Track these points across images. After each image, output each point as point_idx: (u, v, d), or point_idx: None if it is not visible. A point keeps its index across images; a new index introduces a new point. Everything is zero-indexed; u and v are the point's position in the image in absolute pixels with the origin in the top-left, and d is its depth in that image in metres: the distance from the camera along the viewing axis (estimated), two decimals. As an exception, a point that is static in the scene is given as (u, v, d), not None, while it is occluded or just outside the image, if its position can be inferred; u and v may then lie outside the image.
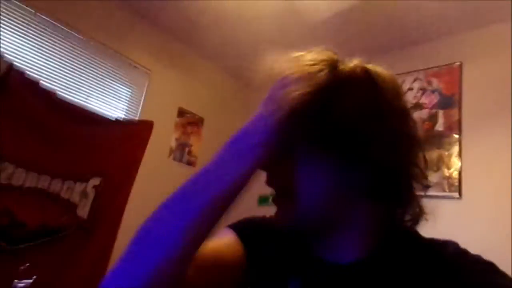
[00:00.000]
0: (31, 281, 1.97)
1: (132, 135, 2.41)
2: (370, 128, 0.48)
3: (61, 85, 2.25)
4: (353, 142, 0.48)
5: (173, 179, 2.89)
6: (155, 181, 2.62)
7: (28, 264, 1.98)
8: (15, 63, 1.91)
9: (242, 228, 0.63)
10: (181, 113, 2.94)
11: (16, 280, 1.93)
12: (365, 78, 0.51)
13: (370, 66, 0.53)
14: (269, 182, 0.55)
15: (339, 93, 0.49)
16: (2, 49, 1.89)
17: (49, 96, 2.02)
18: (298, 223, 0.53)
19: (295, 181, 0.51)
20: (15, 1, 2.04)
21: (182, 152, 2.92)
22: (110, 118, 2.35)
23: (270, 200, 0.59)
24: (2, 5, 1.98)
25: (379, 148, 0.48)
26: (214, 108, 3.17)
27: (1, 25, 1.96)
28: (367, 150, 0.48)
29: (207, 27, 2.73)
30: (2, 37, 1.95)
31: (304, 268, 0.55)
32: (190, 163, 2.95)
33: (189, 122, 3.00)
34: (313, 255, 0.56)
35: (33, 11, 2.12)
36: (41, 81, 2.03)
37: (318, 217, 0.53)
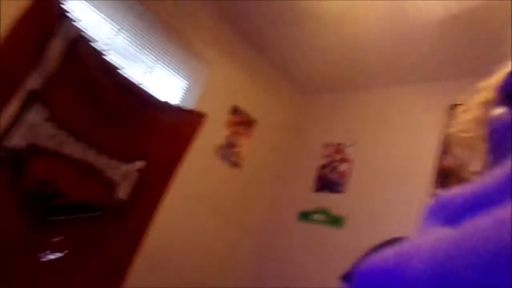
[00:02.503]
0: (61, 254, 1.91)
1: (183, 123, 2.33)
2: None
3: (122, 59, 2.22)
4: None
5: (214, 178, 2.73)
6: (196, 175, 2.52)
7: (62, 237, 1.93)
8: (84, 31, 1.90)
9: None
10: (235, 111, 2.84)
11: (48, 251, 1.89)
12: None
13: None
14: None
15: None
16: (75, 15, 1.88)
17: (111, 70, 1.99)
18: None
19: None
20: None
21: (229, 152, 2.79)
22: (164, 102, 2.28)
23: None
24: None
25: None
26: (268, 112, 3.04)
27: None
28: None
29: (275, 29, 2.63)
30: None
31: None
32: (235, 165, 2.80)
33: (241, 122, 2.88)
34: None
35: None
36: (105, 53, 2.01)
37: None
